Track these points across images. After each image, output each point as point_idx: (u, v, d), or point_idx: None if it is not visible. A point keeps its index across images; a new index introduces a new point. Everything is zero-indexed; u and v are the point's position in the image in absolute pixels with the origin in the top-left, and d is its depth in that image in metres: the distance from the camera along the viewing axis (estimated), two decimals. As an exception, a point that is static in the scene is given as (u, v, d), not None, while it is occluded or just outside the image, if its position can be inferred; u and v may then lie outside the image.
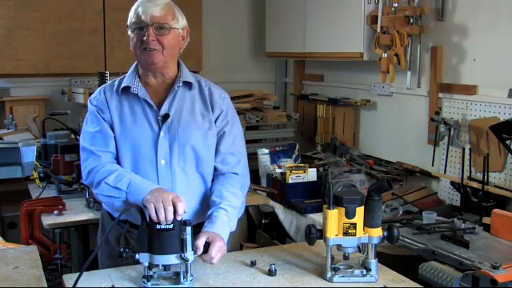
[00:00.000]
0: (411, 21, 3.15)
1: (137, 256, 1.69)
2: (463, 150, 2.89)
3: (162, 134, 1.92)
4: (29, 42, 3.97)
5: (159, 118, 1.93)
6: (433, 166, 3.16)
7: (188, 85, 1.99)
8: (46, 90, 4.16)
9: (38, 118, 3.84)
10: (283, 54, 4.39)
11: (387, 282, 1.79)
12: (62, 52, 4.06)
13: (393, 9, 3.16)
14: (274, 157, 3.51)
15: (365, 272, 1.81)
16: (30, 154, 3.12)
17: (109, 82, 2.04)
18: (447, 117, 3.02)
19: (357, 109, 3.85)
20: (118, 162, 1.95)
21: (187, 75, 1.99)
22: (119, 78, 2.02)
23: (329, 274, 1.80)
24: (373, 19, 3.35)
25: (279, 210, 3.14)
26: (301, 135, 4.39)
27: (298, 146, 3.66)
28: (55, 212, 2.62)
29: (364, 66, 3.68)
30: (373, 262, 1.81)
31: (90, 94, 4.00)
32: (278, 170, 3.31)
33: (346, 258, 1.86)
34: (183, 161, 1.94)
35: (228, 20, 4.66)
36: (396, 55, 3.16)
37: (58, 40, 4.04)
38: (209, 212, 1.90)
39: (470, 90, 2.94)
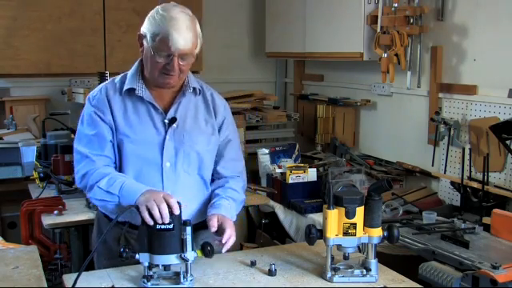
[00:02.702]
0: (411, 21, 3.15)
1: (137, 256, 1.69)
2: (463, 150, 2.89)
3: (167, 137, 1.94)
4: (29, 41, 3.97)
5: (166, 121, 1.95)
6: (433, 166, 3.16)
7: (194, 90, 2.02)
8: (46, 90, 4.15)
9: (38, 117, 3.84)
10: (283, 54, 4.39)
11: (387, 282, 1.79)
12: (61, 52, 4.06)
13: (393, 9, 3.16)
14: (274, 157, 3.51)
15: (365, 272, 1.81)
16: (30, 154, 3.11)
17: (108, 82, 2.03)
18: (447, 117, 3.02)
19: (357, 109, 3.85)
20: (120, 164, 1.95)
21: (193, 81, 2.02)
22: (119, 77, 2.01)
23: (329, 274, 1.80)
24: (373, 19, 3.35)
25: (279, 210, 3.14)
26: (301, 135, 4.39)
27: (297, 146, 3.66)
28: (55, 212, 2.62)
29: (364, 66, 3.68)
30: (373, 262, 1.81)
31: (90, 94, 4.00)
32: (278, 170, 3.31)
33: (345, 258, 1.86)
34: (187, 164, 1.98)
35: (228, 20, 4.66)
36: (396, 55, 3.16)
37: (58, 40, 4.04)
38: (212, 202, 1.99)
39: (470, 89, 2.94)
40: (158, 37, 1.83)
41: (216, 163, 2.08)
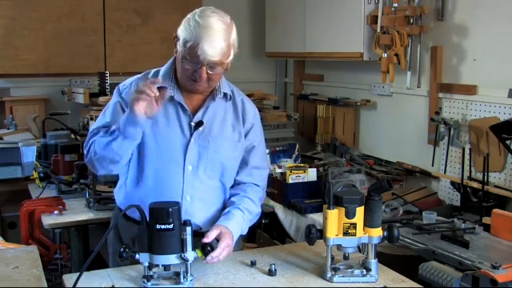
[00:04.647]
0: (411, 21, 3.15)
1: (137, 256, 1.69)
2: (463, 150, 2.89)
3: (192, 140, 1.92)
4: (29, 41, 3.97)
5: (193, 123, 1.93)
6: (433, 166, 3.16)
7: (225, 96, 1.99)
8: (46, 90, 4.16)
9: (38, 117, 3.84)
10: (283, 54, 4.39)
11: (387, 282, 1.79)
12: (61, 52, 4.06)
13: (393, 9, 3.16)
14: (274, 157, 3.51)
15: (365, 272, 1.81)
16: (30, 154, 3.11)
17: (140, 76, 2.01)
18: (447, 117, 3.02)
19: (357, 109, 3.84)
20: (140, 161, 1.92)
21: (225, 86, 1.99)
22: (152, 73, 1.99)
23: (329, 274, 1.80)
24: (373, 19, 3.35)
25: (279, 210, 3.14)
26: (301, 135, 4.39)
27: (297, 146, 3.66)
28: (55, 212, 2.62)
29: (364, 66, 3.68)
30: (373, 262, 1.81)
31: (90, 94, 4.03)
32: (278, 170, 3.31)
33: (345, 258, 1.86)
34: (210, 169, 1.95)
35: (228, 20, 4.65)
36: (396, 55, 3.16)
37: (58, 40, 4.04)
38: (226, 210, 1.94)
39: (470, 90, 2.94)
40: (189, 44, 1.79)
41: (238, 169, 2.04)
